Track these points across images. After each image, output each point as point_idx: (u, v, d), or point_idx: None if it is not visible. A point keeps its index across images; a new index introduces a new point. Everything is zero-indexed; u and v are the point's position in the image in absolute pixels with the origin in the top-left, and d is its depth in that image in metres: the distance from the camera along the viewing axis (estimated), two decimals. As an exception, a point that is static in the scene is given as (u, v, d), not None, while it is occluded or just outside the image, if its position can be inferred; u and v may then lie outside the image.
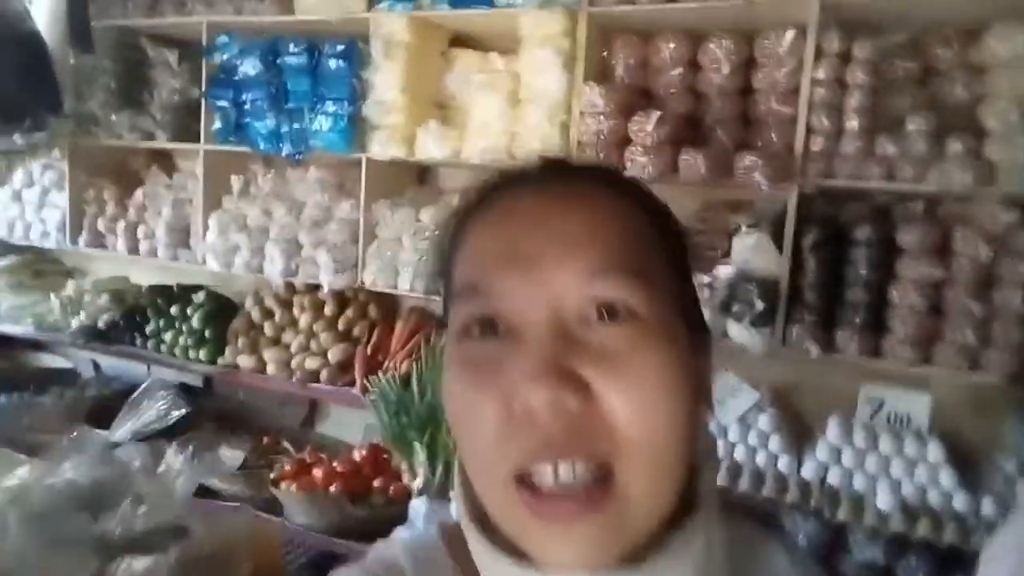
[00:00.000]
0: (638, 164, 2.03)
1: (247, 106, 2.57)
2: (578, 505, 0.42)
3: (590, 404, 0.42)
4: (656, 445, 0.43)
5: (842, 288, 1.91)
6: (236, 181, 2.69)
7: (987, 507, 1.74)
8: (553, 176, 0.51)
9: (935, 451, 1.87)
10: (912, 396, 2.04)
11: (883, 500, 1.80)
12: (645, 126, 2.01)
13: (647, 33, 2.17)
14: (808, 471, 1.92)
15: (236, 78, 2.57)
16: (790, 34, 1.94)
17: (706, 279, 2.03)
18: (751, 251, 2.03)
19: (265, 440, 2.62)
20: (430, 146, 2.27)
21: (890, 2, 1.82)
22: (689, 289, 0.53)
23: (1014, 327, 1.72)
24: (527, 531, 0.43)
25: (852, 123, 1.87)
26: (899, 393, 2.05)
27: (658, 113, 2.02)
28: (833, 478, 1.90)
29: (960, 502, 1.77)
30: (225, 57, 2.63)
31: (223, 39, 2.64)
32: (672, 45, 2.10)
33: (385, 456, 2.26)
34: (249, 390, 2.90)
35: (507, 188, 0.51)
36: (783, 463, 1.95)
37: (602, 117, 2.09)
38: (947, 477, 1.81)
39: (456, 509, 0.53)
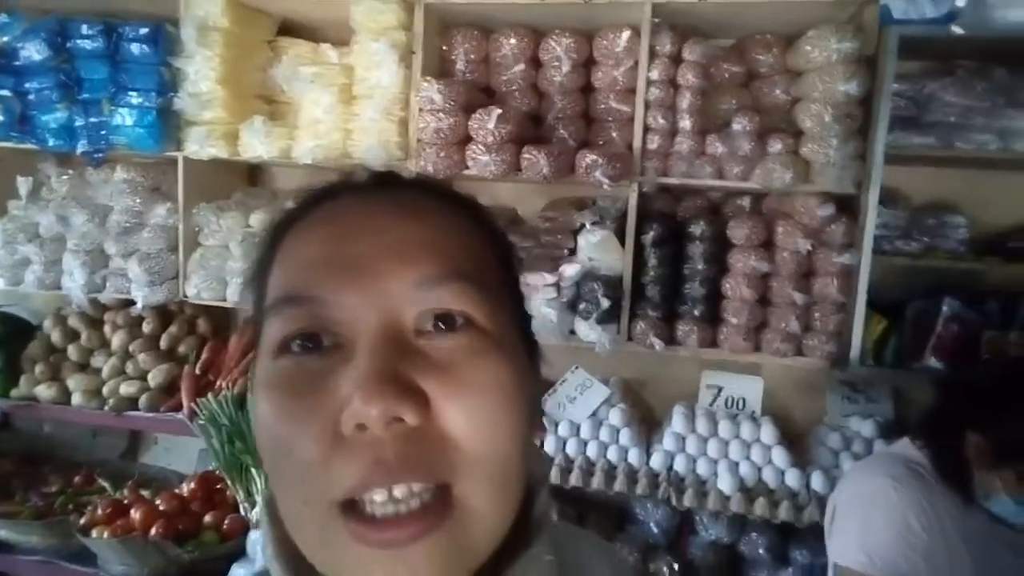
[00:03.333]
0: (480, 162, 1.95)
1: (31, 96, 2.18)
2: (417, 528, 0.37)
3: (428, 419, 0.38)
4: (497, 460, 0.40)
5: (681, 282, 1.94)
6: (24, 183, 2.29)
7: (816, 481, 1.84)
8: (383, 186, 0.48)
9: (768, 432, 1.96)
10: (747, 381, 2.13)
11: (724, 483, 1.85)
12: (486, 124, 1.93)
13: (487, 28, 2.09)
14: (656, 461, 1.94)
15: (18, 63, 2.17)
16: (626, 34, 1.94)
17: (552, 278, 1.99)
18: (596, 248, 2.01)
19: (77, 479, 2.26)
20: (256, 144, 2.04)
21: (717, 8, 1.86)
22: (521, 303, 0.51)
23: (831, 315, 1.83)
24: (355, 563, 0.38)
25: (684, 123, 1.90)
26: (735, 379, 2.13)
27: (499, 110, 1.94)
28: (679, 465, 1.93)
29: (792, 479, 1.86)
30: (6, 39, 2.21)
31: (3, 18, 2.22)
32: (513, 41, 2.04)
33: (218, 487, 2.02)
34: (57, 422, 2.51)
35: (333, 196, 0.46)
36: (633, 455, 1.97)
37: (442, 114, 1.97)
38: (779, 455, 1.90)
39: (265, 550, 0.45)
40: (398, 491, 0.37)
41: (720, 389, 2.15)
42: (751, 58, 1.94)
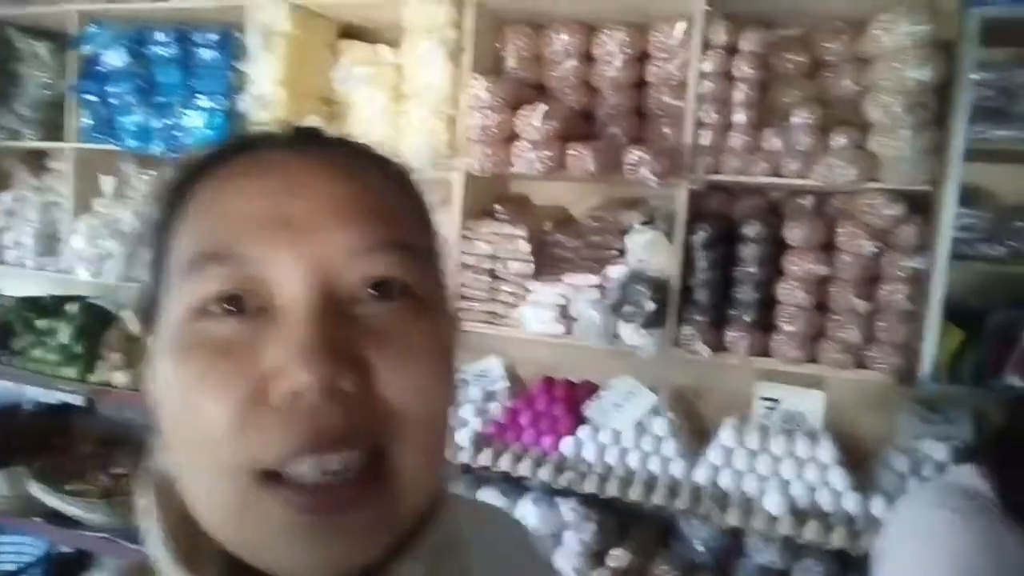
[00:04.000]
0: (525, 160, 1.91)
1: (113, 100, 2.33)
2: (353, 493, 0.36)
3: (366, 386, 0.37)
4: (432, 426, 0.40)
5: (732, 286, 1.82)
6: (107, 182, 2.44)
7: (877, 507, 1.67)
8: (309, 143, 0.44)
9: (826, 451, 1.80)
10: (806, 395, 1.97)
11: (772, 503, 1.72)
12: (531, 120, 1.89)
13: (538, 23, 2.05)
14: (700, 475, 1.83)
15: (103, 70, 2.33)
16: (680, 26, 1.86)
17: (596, 279, 1.92)
18: (645, 249, 1.93)
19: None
20: (309, 143, 2.09)
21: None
22: (443, 269, 0.49)
23: (897, 324, 1.66)
24: (284, 532, 0.36)
25: (739, 117, 1.79)
26: (793, 392, 1.98)
27: (544, 106, 1.90)
28: (724, 481, 1.81)
29: (850, 503, 1.70)
30: (93, 48, 2.38)
31: (93, 29, 2.39)
32: (565, 36, 1.99)
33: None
34: (137, 408, 2.66)
35: (252, 148, 0.43)
36: (676, 468, 1.86)
37: (489, 111, 1.95)
38: (838, 477, 1.75)
39: (150, 539, 0.42)
40: (335, 459, 0.36)
41: (777, 402, 2.00)
42: (817, 46, 1.81)
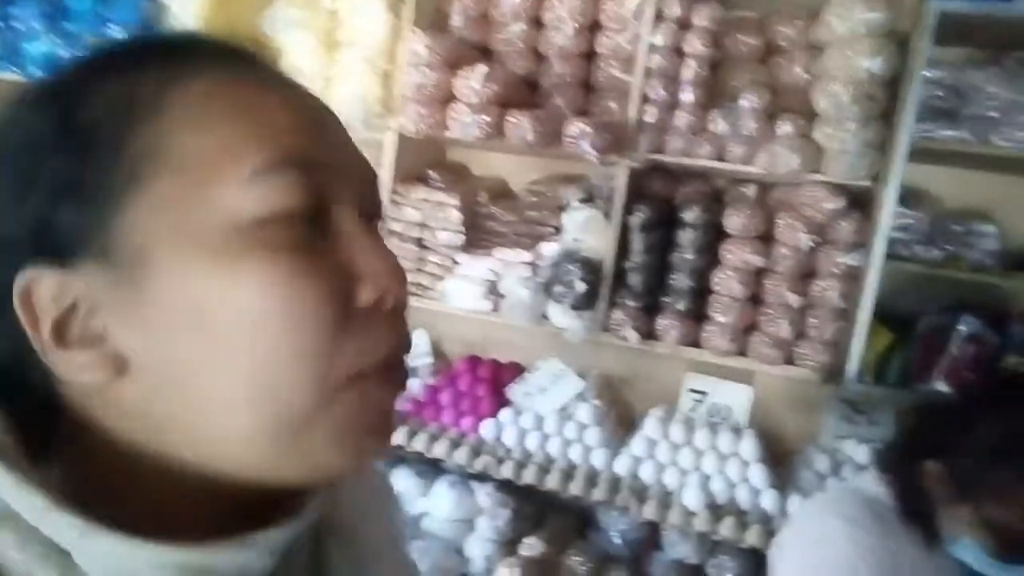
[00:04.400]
0: (462, 123, 1.78)
1: (19, 26, 2.10)
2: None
3: None
4: None
5: (667, 272, 1.75)
6: (7, 114, 2.21)
7: (794, 506, 1.63)
8: (267, 67, 0.39)
9: (749, 447, 1.75)
10: (734, 389, 1.93)
11: (690, 497, 1.66)
12: (471, 81, 1.76)
13: (487, -18, 1.92)
14: (620, 466, 1.76)
15: (6, -10, 2.10)
16: (635, -4, 1.75)
17: (528, 256, 1.82)
18: (582, 228, 1.83)
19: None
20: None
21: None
22: None
23: (828, 321, 1.62)
24: (350, 435, 0.35)
25: (686, 96, 1.71)
26: (722, 385, 1.93)
27: (485, 68, 1.77)
28: (644, 473, 1.75)
29: (768, 501, 1.66)
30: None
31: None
32: (515, -1, 1.86)
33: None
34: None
35: (220, 58, 0.38)
36: (597, 457, 1.79)
37: (427, 69, 1.82)
38: (758, 474, 1.70)
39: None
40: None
41: (705, 395, 1.95)
42: (771, 30, 1.74)
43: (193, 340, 0.33)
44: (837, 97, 1.55)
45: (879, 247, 1.58)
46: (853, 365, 1.61)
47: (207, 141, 0.34)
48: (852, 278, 1.60)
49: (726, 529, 1.62)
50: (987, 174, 1.75)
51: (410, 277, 1.90)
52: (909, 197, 1.66)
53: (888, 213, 1.57)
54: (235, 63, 0.37)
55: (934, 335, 1.61)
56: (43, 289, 0.32)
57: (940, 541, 0.92)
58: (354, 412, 0.35)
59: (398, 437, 1.85)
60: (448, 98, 1.84)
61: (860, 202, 1.63)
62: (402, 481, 1.94)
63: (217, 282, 0.33)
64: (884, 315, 1.62)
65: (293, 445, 0.34)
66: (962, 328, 1.58)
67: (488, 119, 1.77)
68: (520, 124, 1.75)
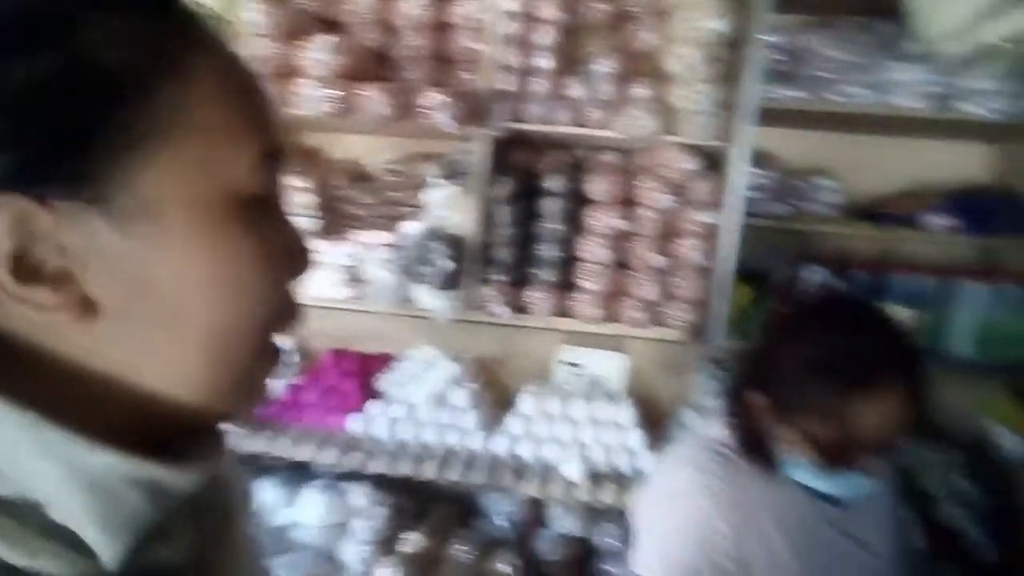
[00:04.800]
0: (309, 99, 1.65)
1: None
2: None
3: None
4: None
5: (533, 244, 1.70)
6: None
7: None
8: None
9: (626, 412, 1.74)
10: (608, 358, 1.92)
11: (571, 468, 1.63)
12: (315, 53, 1.63)
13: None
14: (499, 446, 1.70)
15: None
16: (486, -36, 1.69)
17: (389, 237, 1.71)
18: (444, 205, 1.75)
19: None
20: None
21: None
22: None
23: (692, 280, 1.63)
24: (260, 382, 0.41)
25: (542, 62, 1.66)
26: (596, 355, 1.92)
27: (331, 39, 1.65)
28: (524, 451, 1.69)
29: (647, 464, 1.65)
30: None
31: None
32: (363, -31, 1.74)
33: None
34: None
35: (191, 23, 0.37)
36: (474, 440, 1.71)
37: (267, 40, 1.66)
38: (635, 439, 1.69)
39: None
40: None
41: (579, 366, 1.93)
42: (622, -2, 1.73)
43: (169, 294, 0.35)
44: (686, 59, 1.56)
45: (734, 205, 1.61)
46: (718, 322, 1.63)
47: (231, 115, 0.36)
48: (711, 236, 1.62)
49: (608, 496, 1.59)
50: (826, 133, 1.84)
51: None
52: (759, 158, 1.71)
53: (740, 172, 1.60)
54: (228, 43, 0.38)
55: (786, 287, 1.67)
56: (5, 216, 0.31)
57: (778, 468, 0.94)
58: (271, 363, 0.41)
59: (259, 444, 1.69)
60: (292, 72, 1.69)
61: (714, 163, 1.66)
62: (266, 492, 1.77)
63: (207, 245, 0.35)
64: (743, 272, 1.65)
65: (229, 387, 0.39)
66: (810, 277, 1.64)
67: (337, 93, 1.64)
68: (373, 98, 1.64)
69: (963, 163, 1.82)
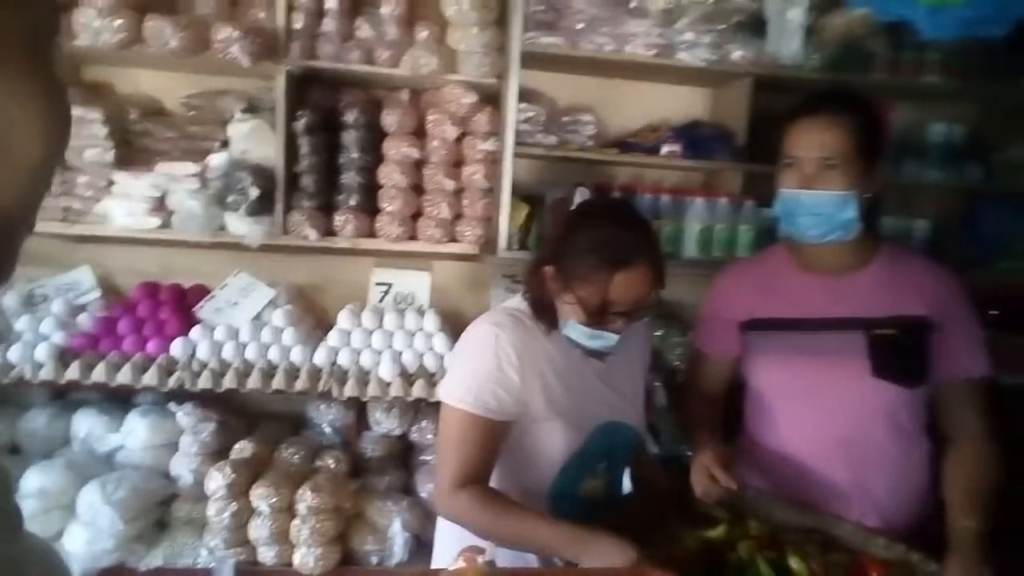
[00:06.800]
0: (92, 29, 1.60)
1: None
2: None
3: None
4: None
5: (337, 173, 1.82)
6: None
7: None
8: None
9: (431, 321, 1.95)
10: (415, 276, 2.11)
11: (385, 370, 1.82)
12: (95, -19, 1.59)
13: None
14: (319, 358, 1.84)
15: None
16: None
17: (195, 168, 1.74)
18: (248, 139, 1.80)
19: None
20: None
21: None
22: None
23: (479, 201, 1.86)
24: None
25: (331, 3, 1.76)
26: (404, 275, 2.10)
27: (110, -34, 1.61)
28: (343, 360, 1.85)
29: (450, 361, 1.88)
30: None
31: None
32: None
33: None
34: None
35: None
36: (295, 354, 1.83)
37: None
38: (440, 342, 1.91)
39: None
40: None
41: (390, 286, 2.10)
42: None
43: None
44: (459, 5, 1.74)
45: (509, 137, 1.84)
46: (502, 236, 1.88)
47: None
48: (493, 163, 1.85)
49: (419, 391, 1.80)
50: (584, 77, 2.13)
51: (57, 202, 1.70)
52: (529, 96, 1.96)
53: (512, 108, 1.83)
54: None
55: (559, 204, 1.96)
56: None
57: (557, 327, 1.20)
58: None
59: (72, 372, 1.67)
60: (70, 2, 1.63)
61: (491, 99, 1.88)
62: (86, 421, 1.76)
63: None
64: (520, 193, 1.91)
65: None
66: (577, 197, 1.94)
67: (122, 22, 1.62)
68: (160, 29, 1.64)
69: (686, 103, 2.22)
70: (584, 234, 1.15)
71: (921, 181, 2.08)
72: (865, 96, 1.30)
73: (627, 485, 1.37)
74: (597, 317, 1.15)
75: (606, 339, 1.17)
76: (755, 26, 1.89)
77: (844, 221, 1.26)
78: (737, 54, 1.89)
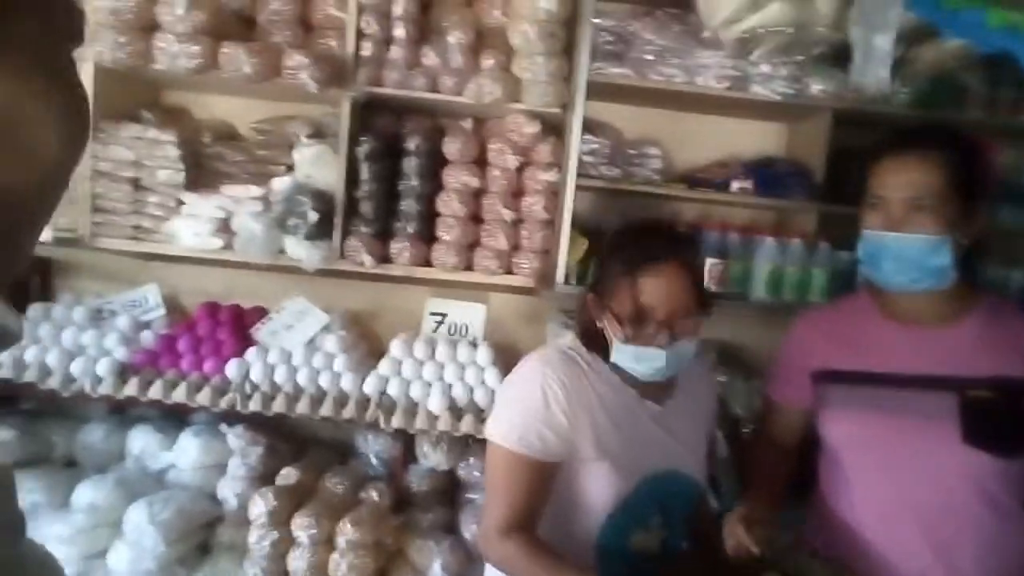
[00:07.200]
0: (169, 53, 1.65)
1: None
2: None
3: None
4: None
5: (396, 200, 1.80)
6: None
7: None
8: None
9: (484, 354, 1.90)
10: (470, 308, 2.07)
11: (434, 403, 1.76)
12: (175, 9, 1.64)
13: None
14: (369, 386, 1.80)
15: None
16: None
17: (258, 191, 1.76)
18: (312, 163, 1.81)
19: None
20: None
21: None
22: None
23: (537, 233, 1.80)
24: None
25: (399, 31, 1.76)
26: (459, 306, 2.06)
27: (191, -5, 1.66)
28: (392, 390, 1.80)
29: (502, 396, 1.81)
30: None
31: None
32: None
33: None
34: None
35: None
36: (346, 381, 1.80)
37: (125, -5, 1.65)
38: (493, 376, 1.85)
39: None
40: None
41: (444, 316, 2.06)
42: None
43: None
44: (526, 34, 1.72)
45: (572, 168, 1.79)
46: (560, 270, 1.82)
47: None
48: (553, 194, 1.80)
49: (467, 426, 1.74)
50: (650, 109, 2.07)
51: (127, 220, 1.74)
52: (594, 127, 1.90)
53: (576, 138, 1.78)
54: None
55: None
56: None
57: (608, 357, 1.13)
58: None
59: (130, 388, 1.69)
60: (151, 26, 1.69)
61: (555, 129, 1.83)
62: (141, 438, 1.78)
63: None
64: (581, 226, 1.85)
65: None
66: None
67: (199, 48, 1.66)
68: (235, 56, 1.67)
69: (760, 138, 2.12)
70: (613, 252, 1.14)
71: (1020, 228, 1.91)
72: (963, 132, 1.18)
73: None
74: (636, 328, 1.08)
75: (653, 358, 1.09)
76: (836, 57, 1.78)
77: (935, 268, 1.14)
78: (816, 87, 1.79)
